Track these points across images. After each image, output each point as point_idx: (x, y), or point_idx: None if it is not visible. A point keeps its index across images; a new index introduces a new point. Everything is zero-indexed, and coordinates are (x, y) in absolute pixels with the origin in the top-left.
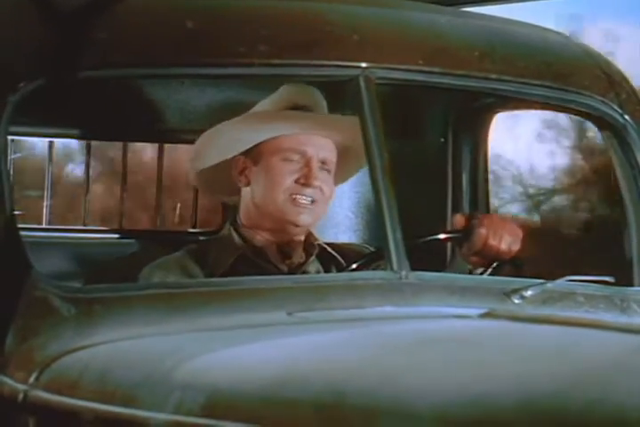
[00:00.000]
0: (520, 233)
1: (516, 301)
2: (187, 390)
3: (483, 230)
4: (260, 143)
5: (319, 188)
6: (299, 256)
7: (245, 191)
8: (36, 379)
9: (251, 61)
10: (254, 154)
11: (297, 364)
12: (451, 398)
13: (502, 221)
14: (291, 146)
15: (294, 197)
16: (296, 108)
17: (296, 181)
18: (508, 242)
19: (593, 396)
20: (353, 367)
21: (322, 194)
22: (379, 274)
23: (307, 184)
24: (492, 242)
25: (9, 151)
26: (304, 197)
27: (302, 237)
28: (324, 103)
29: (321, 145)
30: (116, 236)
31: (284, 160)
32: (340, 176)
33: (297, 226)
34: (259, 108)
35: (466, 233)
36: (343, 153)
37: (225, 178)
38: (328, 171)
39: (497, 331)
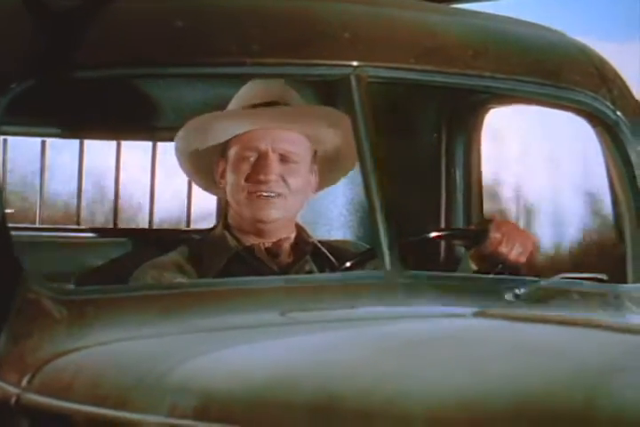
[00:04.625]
0: (532, 244)
1: (510, 299)
2: (180, 392)
3: (497, 235)
4: (227, 142)
5: (279, 180)
6: (286, 255)
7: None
8: (29, 382)
9: (242, 61)
10: (226, 155)
11: (290, 366)
12: (445, 399)
13: (518, 229)
14: (244, 144)
15: (252, 194)
16: (266, 103)
17: (250, 178)
18: (518, 251)
19: (587, 396)
20: (346, 369)
21: (286, 186)
22: (371, 274)
23: (260, 180)
24: (503, 249)
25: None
26: (263, 193)
27: (291, 235)
28: (294, 94)
29: (279, 138)
30: (110, 235)
31: (239, 159)
32: (330, 177)
33: (263, 222)
34: (231, 105)
35: (479, 235)
36: (332, 154)
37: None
38: (293, 162)
39: (490, 330)
